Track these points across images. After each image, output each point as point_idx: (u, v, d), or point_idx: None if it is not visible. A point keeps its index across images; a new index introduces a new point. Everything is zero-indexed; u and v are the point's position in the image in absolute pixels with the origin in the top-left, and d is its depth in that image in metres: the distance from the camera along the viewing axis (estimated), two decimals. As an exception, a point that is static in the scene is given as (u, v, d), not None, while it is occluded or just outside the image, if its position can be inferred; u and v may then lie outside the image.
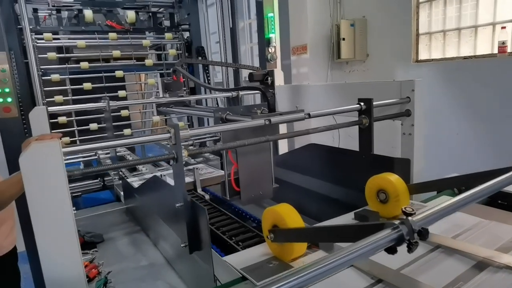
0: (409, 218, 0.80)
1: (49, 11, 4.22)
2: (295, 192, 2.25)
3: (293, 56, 4.33)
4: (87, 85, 4.05)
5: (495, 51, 3.10)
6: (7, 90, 2.51)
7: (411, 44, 3.69)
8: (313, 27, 4.13)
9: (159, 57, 5.18)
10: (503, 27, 3.03)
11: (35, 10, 3.97)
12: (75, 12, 4.28)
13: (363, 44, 4.06)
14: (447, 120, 3.45)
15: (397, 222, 0.78)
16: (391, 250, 0.77)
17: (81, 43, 4.14)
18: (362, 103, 1.93)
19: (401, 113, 2.12)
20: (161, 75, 5.32)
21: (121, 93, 4.73)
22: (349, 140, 2.48)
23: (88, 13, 4.24)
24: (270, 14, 3.52)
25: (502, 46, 3.01)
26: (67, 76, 4.01)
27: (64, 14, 4.35)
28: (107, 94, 4.32)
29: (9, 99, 2.52)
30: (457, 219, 1.40)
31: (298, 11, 4.06)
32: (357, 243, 0.73)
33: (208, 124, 5.14)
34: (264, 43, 3.59)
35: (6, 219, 1.52)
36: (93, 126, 3.93)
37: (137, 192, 2.27)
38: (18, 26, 3.46)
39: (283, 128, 2.97)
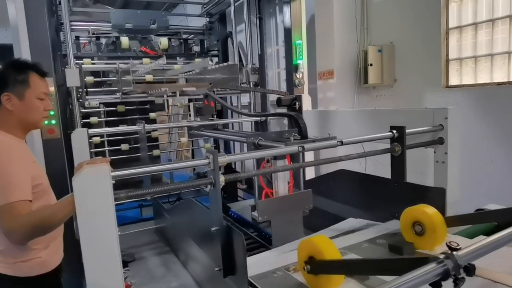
0: (455, 253, 0.79)
1: (89, 38, 4.49)
2: (325, 218, 2.23)
3: (320, 81, 4.37)
4: (120, 108, 4.23)
5: (530, 77, 3.05)
6: (52, 113, 2.66)
7: (441, 69, 3.66)
8: (339, 52, 4.19)
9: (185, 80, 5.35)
10: (538, 54, 2.98)
11: (77, 38, 4.23)
12: (112, 39, 4.54)
13: (391, 69, 4.06)
14: (481, 148, 3.37)
15: (442, 256, 0.78)
16: (436, 285, 0.77)
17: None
18: (394, 131, 1.93)
19: (434, 140, 2.11)
20: (190, 100, 5.51)
21: (152, 115, 4.91)
22: (377, 165, 2.46)
23: (124, 40, 4.47)
24: (298, 41, 3.61)
25: (538, 72, 2.96)
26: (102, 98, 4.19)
27: (102, 40, 4.61)
28: (139, 116, 4.51)
29: (53, 121, 2.67)
30: (505, 253, 1.35)
31: (325, 37, 4.14)
32: (402, 276, 0.74)
33: (234, 148, 5.22)
34: (292, 68, 3.68)
35: (57, 236, 1.60)
36: (124, 146, 4.06)
37: (169, 213, 2.32)
38: (61, 52, 3.69)
39: (310, 154, 3.00)
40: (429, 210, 1.55)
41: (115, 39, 4.52)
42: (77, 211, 1.11)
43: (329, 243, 1.22)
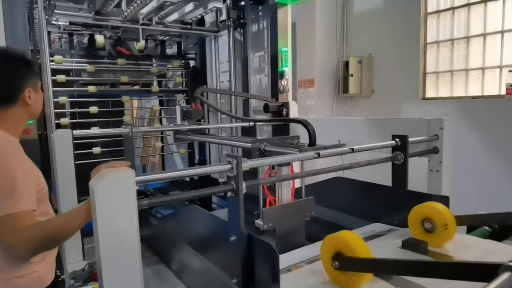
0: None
1: (60, 34, 4.22)
2: (322, 227, 2.21)
3: (300, 89, 4.40)
4: (93, 109, 4.00)
5: (503, 92, 3.25)
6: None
7: (418, 81, 3.82)
8: (320, 62, 4.25)
9: (159, 83, 5.18)
10: (510, 71, 3.19)
11: (48, 33, 3.95)
12: (87, 37, 4.29)
13: (369, 80, 4.18)
14: (456, 158, 3.53)
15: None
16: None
17: (91, 67, 4.13)
18: (397, 139, 1.96)
19: (429, 150, 2.17)
20: (161, 102, 5.33)
21: (126, 118, 4.70)
22: (357, 171, 2.48)
23: (99, 39, 4.24)
24: (284, 49, 3.61)
25: (510, 88, 3.16)
26: (74, 99, 3.94)
27: (76, 38, 4.36)
28: (112, 119, 4.29)
29: (30, 121, 2.45)
30: None
31: (307, 46, 4.18)
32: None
33: (210, 153, 5.10)
34: (277, 75, 3.67)
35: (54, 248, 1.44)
36: (96, 150, 3.83)
37: (161, 221, 2.19)
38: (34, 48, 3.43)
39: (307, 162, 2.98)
40: (439, 206, 1.58)
41: (89, 37, 4.26)
42: (97, 220, 0.99)
43: (359, 239, 1.20)
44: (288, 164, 1.86)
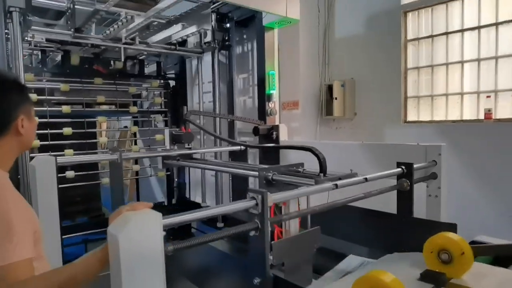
0: None
1: (31, 51, 3.97)
2: (326, 257, 2.14)
3: (284, 111, 4.39)
4: (67, 130, 3.77)
5: (481, 116, 3.38)
6: None
7: (400, 105, 3.92)
8: (304, 84, 4.28)
9: (135, 103, 4.99)
10: (488, 96, 3.34)
11: (20, 50, 3.70)
12: (61, 54, 4.06)
13: (352, 103, 4.25)
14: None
15: None
16: None
17: (64, 86, 3.90)
18: (403, 167, 1.94)
19: (428, 176, 2.18)
20: (135, 123, 5.13)
21: (102, 140, 4.46)
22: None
23: (74, 56, 4.05)
24: (272, 71, 3.60)
25: (488, 113, 3.30)
26: (46, 120, 3.69)
27: (50, 55, 4.12)
28: (88, 141, 4.06)
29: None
30: None
31: (291, 69, 4.21)
32: None
33: (189, 177, 4.93)
34: (265, 97, 3.63)
35: None
36: (69, 174, 3.56)
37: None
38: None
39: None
40: (455, 237, 1.56)
41: (64, 54, 4.03)
42: (121, 271, 0.87)
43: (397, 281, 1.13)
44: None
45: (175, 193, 4.95)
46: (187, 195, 4.96)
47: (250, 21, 3.80)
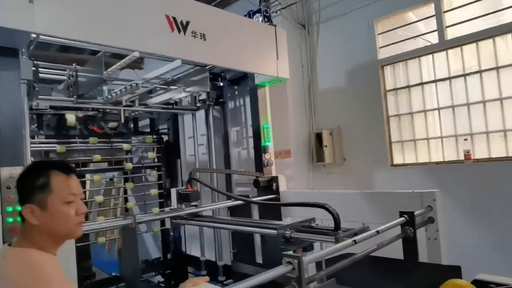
0: None
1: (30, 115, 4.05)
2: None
3: (277, 159, 4.57)
4: None
5: (461, 157, 3.68)
6: (18, 208, 2.28)
7: (386, 150, 4.19)
8: (294, 134, 4.53)
9: (128, 159, 5.06)
10: (465, 139, 3.66)
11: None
12: (56, 117, 4.15)
13: (340, 149, 4.50)
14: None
15: None
16: None
17: (61, 147, 3.97)
18: (406, 216, 2.12)
19: (426, 220, 2.36)
20: (126, 180, 5.17)
21: (98, 198, 4.47)
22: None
23: (71, 118, 4.14)
24: (266, 125, 3.83)
25: (467, 154, 3.60)
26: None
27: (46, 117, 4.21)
28: (86, 200, 4.07)
29: (19, 218, 2.27)
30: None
31: (281, 120, 4.45)
32: None
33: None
34: (261, 149, 3.82)
35: None
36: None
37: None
38: None
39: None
40: (464, 283, 1.70)
41: (59, 116, 4.12)
42: None
43: None
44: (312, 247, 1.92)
45: (171, 247, 4.92)
46: (183, 249, 4.93)
47: (242, 79, 4.08)
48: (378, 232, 1.80)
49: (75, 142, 4.19)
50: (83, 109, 3.75)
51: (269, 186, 3.36)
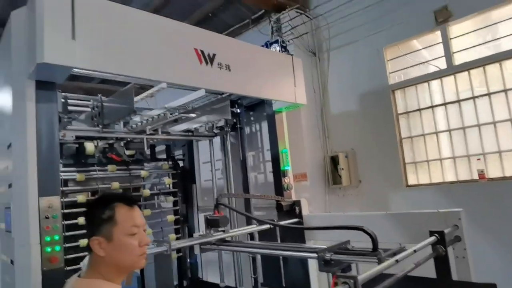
0: None
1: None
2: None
3: (294, 183, 4.66)
4: (82, 220, 3.82)
5: (475, 177, 3.78)
6: (56, 237, 2.35)
7: (400, 171, 4.29)
8: (309, 157, 4.64)
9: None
10: (478, 159, 3.77)
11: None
12: (76, 146, 4.25)
13: (355, 171, 4.60)
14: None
15: None
16: None
17: (80, 176, 4.04)
18: (436, 235, 2.19)
19: (453, 239, 2.43)
20: (140, 207, 5.20)
21: (117, 226, 4.49)
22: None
23: (90, 146, 4.24)
24: (284, 149, 3.93)
25: (481, 173, 3.71)
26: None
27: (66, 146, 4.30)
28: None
29: (57, 247, 2.34)
30: None
31: (297, 144, 4.56)
32: None
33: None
34: (280, 173, 3.90)
35: None
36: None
37: None
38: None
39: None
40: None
41: (78, 145, 4.22)
42: None
43: None
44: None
45: (187, 274, 4.91)
46: (200, 275, 4.93)
47: (258, 105, 4.22)
48: (415, 251, 1.87)
49: (94, 170, 4.27)
50: (107, 138, 3.85)
51: (291, 210, 3.43)
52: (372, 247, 1.96)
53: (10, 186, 2.53)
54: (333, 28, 4.79)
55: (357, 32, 4.57)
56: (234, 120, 4.30)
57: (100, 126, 3.54)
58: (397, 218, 2.82)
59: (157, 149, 5.48)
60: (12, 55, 2.40)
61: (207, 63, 2.87)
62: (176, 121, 3.72)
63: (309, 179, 4.51)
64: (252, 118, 4.51)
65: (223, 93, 3.74)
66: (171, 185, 5.01)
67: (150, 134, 3.75)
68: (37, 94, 2.34)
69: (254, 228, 3.03)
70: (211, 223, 2.91)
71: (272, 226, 3.06)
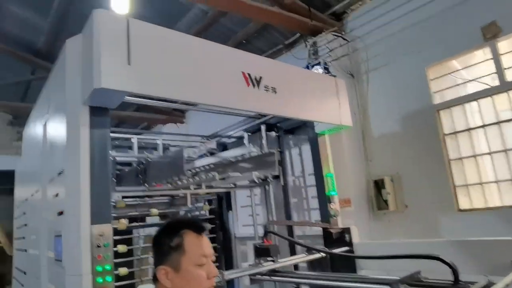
0: None
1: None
2: None
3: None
4: (121, 248, 3.76)
5: (540, 200, 3.49)
6: (108, 267, 2.27)
7: (450, 194, 4.04)
8: (353, 183, 4.46)
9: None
10: (542, 181, 3.50)
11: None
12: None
13: (401, 196, 4.37)
14: None
15: None
16: None
17: (121, 202, 4.02)
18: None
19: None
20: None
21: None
22: None
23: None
24: (329, 173, 3.78)
25: (546, 197, 3.42)
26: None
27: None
28: (141, 256, 4.02)
29: (109, 278, 2.25)
30: None
31: (339, 169, 4.39)
32: None
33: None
34: (325, 199, 3.74)
35: None
36: None
37: None
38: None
39: None
40: None
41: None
42: None
43: None
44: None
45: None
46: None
47: (298, 129, 4.14)
48: (507, 286, 1.66)
49: (135, 197, 4.25)
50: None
51: (341, 237, 3.25)
52: (454, 279, 1.77)
53: (60, 213, 2.50)
54: (370, 50, 4.71)
55: (396, 53, 4.48)
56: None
57: (146, 184, 3.58)
58: (461, 245, 2.58)
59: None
60: (66, 82, 2.42)
61: (254, 85, 2.83)
62: (223, 179, 3.64)
63: (354, 205, 4.31)
64: (291, 142, 4.42)
65: (264, 115, 3.69)
66: (208, 212, 4.92)
67: (195, 188, 3.69)
68: (91, 120, 2.33)
69: (308, 257, 2.87)
70: (261, 252, 2.77)
71: (324, 255, 2.89)
